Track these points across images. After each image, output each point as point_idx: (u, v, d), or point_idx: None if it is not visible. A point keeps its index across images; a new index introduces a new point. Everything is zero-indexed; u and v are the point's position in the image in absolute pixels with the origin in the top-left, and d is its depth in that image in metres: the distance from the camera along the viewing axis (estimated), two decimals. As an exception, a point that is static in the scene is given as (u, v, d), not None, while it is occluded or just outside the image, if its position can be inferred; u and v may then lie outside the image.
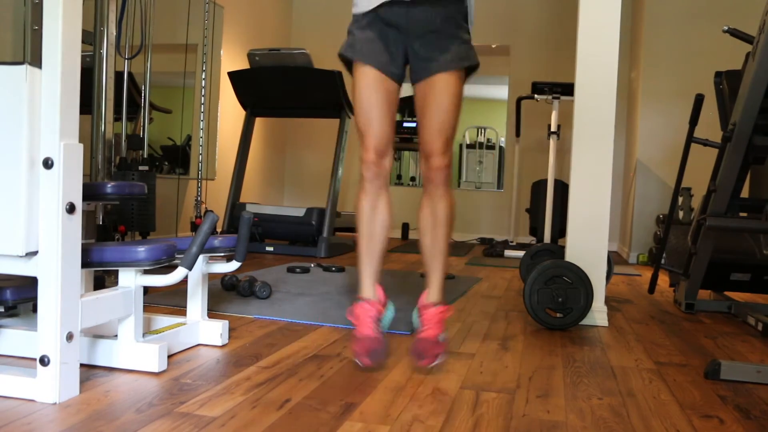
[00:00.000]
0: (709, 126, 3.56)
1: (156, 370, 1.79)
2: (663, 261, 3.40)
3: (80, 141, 1.57)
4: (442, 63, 1.95)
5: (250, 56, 5.05)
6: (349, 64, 2.04)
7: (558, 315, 2.64)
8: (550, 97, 5.24)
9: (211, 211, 2.89)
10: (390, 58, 1.97)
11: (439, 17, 1.95)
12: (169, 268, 1.83)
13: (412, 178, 7.63)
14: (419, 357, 1.87)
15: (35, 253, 1.53)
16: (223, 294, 3.07)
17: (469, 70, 2.03)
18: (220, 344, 2.14)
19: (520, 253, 5.07)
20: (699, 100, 3.03)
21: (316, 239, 4.88)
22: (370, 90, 1.97)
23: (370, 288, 2.03)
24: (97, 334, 1.87)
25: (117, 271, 1.84)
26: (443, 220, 2.01)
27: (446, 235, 2.01)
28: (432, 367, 1.89)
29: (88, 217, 2.95)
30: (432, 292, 2.03)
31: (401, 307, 2.93)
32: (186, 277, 1.90)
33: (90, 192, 2.09)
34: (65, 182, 1.51)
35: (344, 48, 2.02)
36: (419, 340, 1.92)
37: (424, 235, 2.04)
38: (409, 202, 7.26)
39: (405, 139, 6.92)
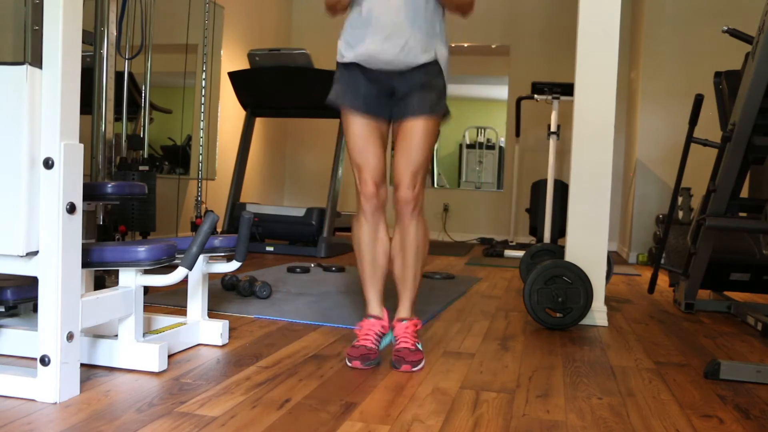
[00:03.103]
0: (709, 126, 3.56)
1: (156, 370, 1.80)
2: (663, 261, 3.40)
3: (80, 141, 1.57)
4: (417, 109, 2.08)
5: (250, 56, 5.05)
6: (338, 109, 2.16)
7: (558, 315, 2.64)
8: (549, 97, 5.23)
9: (212, 211, 2.89)
10: (374, 101, 2.09)
11: (416, 79, 2.07)
12: (170, 268, 1.84)
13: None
14: (400, 362, 1.97)
15: (36, 253, 1.54)
16: (224, 294, 3.07)
17: (443, 115, 2.15)
18: (221, 344, 2.14)
19: (520, 253, 5.08)
20: (699, 100, 3.03)
21: (316, 239, 4.88)
22: (360, 133, 2.11)
23: (376, 307, 2.14)
24: (97, 334, 1.88)
25: (117, 271, 1.84)
26: (412, 248, 2.10)
27: (416, 261, 2.11)
28: (412, 372, 1.96)
29: (88, 217, 2.96)
30: (402, 310, 2.14)
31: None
32: (186, 277, 1.90)
33: (90, 192, 2.10)
34: (66, 182, 1.52)
35: (332, 96, 2.15)
36: (398, 350, 2.03)
37: (394, 260, 2.14)
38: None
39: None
